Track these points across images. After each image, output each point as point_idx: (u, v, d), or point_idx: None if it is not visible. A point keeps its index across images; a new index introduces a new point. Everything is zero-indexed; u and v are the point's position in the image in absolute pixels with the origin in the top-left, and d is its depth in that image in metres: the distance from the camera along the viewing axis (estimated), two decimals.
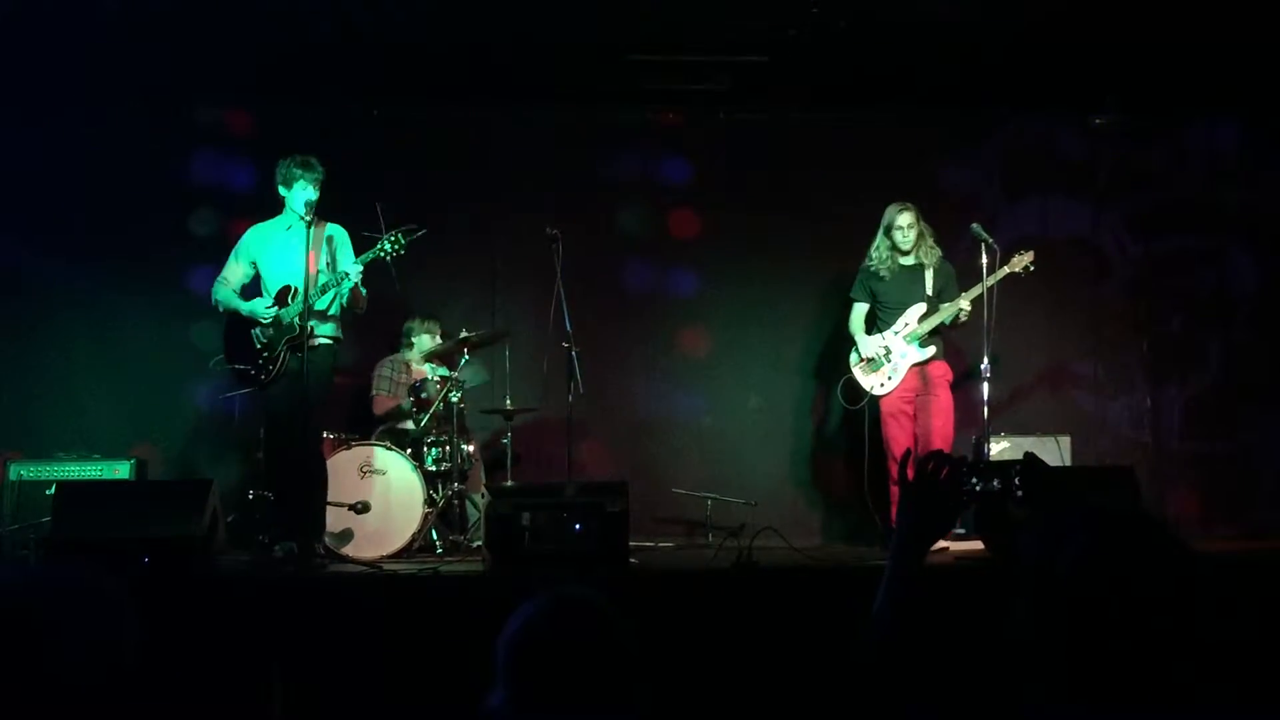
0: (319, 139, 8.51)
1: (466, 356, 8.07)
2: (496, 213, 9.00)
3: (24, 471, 7.89)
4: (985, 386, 7.31)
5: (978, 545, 7.19)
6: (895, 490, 7.67)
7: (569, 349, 7.66)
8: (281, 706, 5.06)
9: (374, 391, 8.43)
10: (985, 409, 7.32)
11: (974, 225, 7.48)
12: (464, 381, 8.08)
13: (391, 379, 8.45)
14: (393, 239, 6.88)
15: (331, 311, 7.13)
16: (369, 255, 6.93)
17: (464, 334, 8.08)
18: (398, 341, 8.65)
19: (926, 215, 7.84)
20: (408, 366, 8.51)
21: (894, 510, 7.67)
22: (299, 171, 6.99)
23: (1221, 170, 9.40)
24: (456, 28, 7.85)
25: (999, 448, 8.09)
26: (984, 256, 7.32)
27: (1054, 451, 8.22)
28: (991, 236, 7.36)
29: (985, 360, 7.31)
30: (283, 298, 6.96)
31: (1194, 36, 7.94)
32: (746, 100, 8.99)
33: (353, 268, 6.91)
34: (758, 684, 5.35)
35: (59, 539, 6.18)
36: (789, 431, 9.28)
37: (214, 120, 8.96)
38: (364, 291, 7.07)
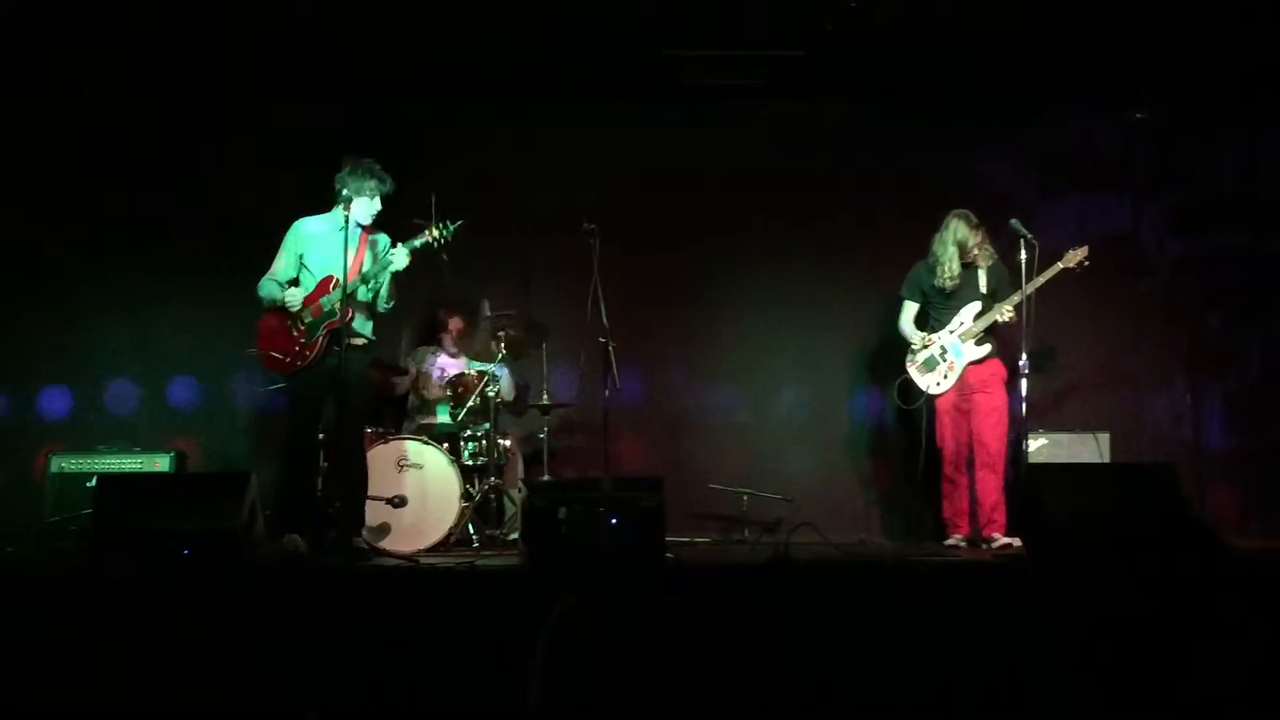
0: (354, 132, 8.57)
1: (504, 351, 8.09)
2: (533, 207, 9.00)
3: (65, 464, 7.95)
4: (1024, 384, 7.25)
5: (1016, 543, 7.17)
6: (946, 487, 7.75)
7: (606, 344, 7.65)
8: (318, 700, 5.08)
9: (396, 379, 8.47)
10: (1024, 406, 7.26)
11: (1013, 221, 7.42)
12: (499, 379, 8.10)
13: (413, 370, 8.50)
14: (441, 226, 6.95)
15: (367, 300, 7.09)
16: (418, 241, 6.99)
17: (500, 313, 8.07)
18: (433, 335, 8.68)
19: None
20: (435, 357, 8.55)
21: (945, 504, 7.72)
22: (373, 184, 7.00)
23: (1261, 166, 9.31)
24: (495, 21, 7.86)
25: (1037, 445, 8.04)
26: (1023, 252, 7.25)
27: (1093, 449, 8.15)
28: (1030, 232, 7.30)
29: (1024, 357, 7.25)
30: (324, 287, 6.94)
31: (1231, 31, 7.87)
32: (784, 96, 8.94)
33: (399, 252, 6.94)
34: (794, 679, 5.33)
35: (99, 532, 6.21)
36: (825, 427, 9.24)
37: (254, 116, 8.97)
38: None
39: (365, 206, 7.01)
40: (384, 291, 7.09)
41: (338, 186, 7.01)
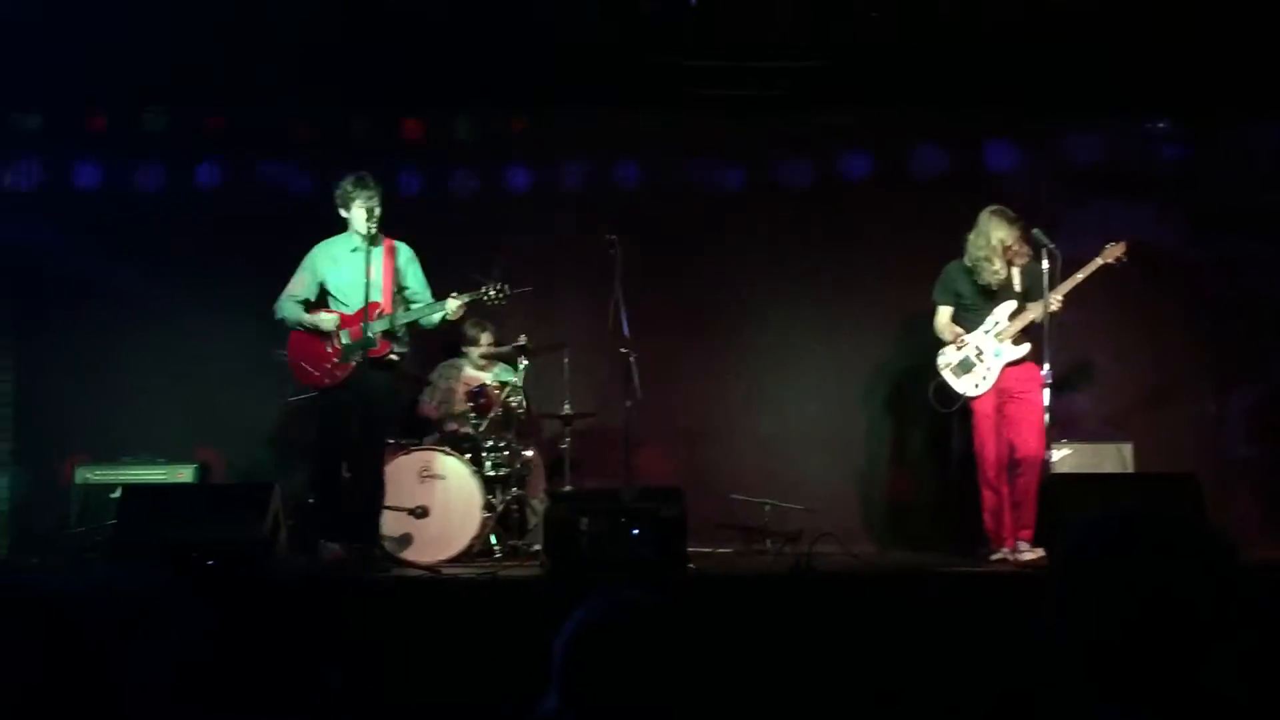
0: (376, 147, 8.63)
1: (525, 362, 8.12)
2: (556, 217, 9.03)
3: (90, 475, 8.03)
4: (1046, 393, 7.21)
5: (1040, 554, 7.14)
6: (987, 495, 7.51)
7: (627, 354, 7.67)
8: (340, 709, 5.11)
9: (423, 399, 8.53)
10: (1047, 415, 7.23)
11: (1035, 230, 7.35)
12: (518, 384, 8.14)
13: (441, 387, 8.53)
14: (498, 288, 7.10)
15: (404, 335, 7.32)
16: (471, 296, 7.16)
17: (521, 340, 8.12)
18: (455, 345, 8.72)
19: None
20: (459, 371, 8.58)
21: (985, 516, 7.57)
22: (355, 191, 7.10)
23: None
24: (517, 35, 7.90)
25: (1060, 455, 7.99)
26: (1045, 262, 7.21)
27: (1116, 459, 8.12)
28: (1053, 242, 7.26)
29: (1046, 365, 7.21)
30: (369, 313, 7.00)
31: (1256, 35, 7.86)
32: (804, 105, 8.96)
33: (452, 305, 7.09)
34: (815, 691, 5.34)
35: (124, 542, 6.27)
36: (847, 437, 9.24)
37: (276, 128, 9.03)
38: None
39: (360, 214, 7.08)
40: (434, 325, 7.34)
41: (340, 211, 7.18)
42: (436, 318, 7.20)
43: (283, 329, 7.30)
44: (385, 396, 7.25)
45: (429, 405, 8.55)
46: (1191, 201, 9.27)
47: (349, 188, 7.11)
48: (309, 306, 7.29)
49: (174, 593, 2.25)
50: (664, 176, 9.23)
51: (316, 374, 7.14)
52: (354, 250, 7.12)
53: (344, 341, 7.08)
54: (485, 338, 8.55)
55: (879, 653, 5.48)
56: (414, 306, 7.22)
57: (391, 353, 7.14)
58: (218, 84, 8.59)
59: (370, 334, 6.96)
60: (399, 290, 7.28)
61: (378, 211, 7.07)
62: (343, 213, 7.16)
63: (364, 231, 7.05)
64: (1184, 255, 9.21)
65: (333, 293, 7.24)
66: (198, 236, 8.97)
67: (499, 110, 9.22)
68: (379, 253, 7.12)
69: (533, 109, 9.11)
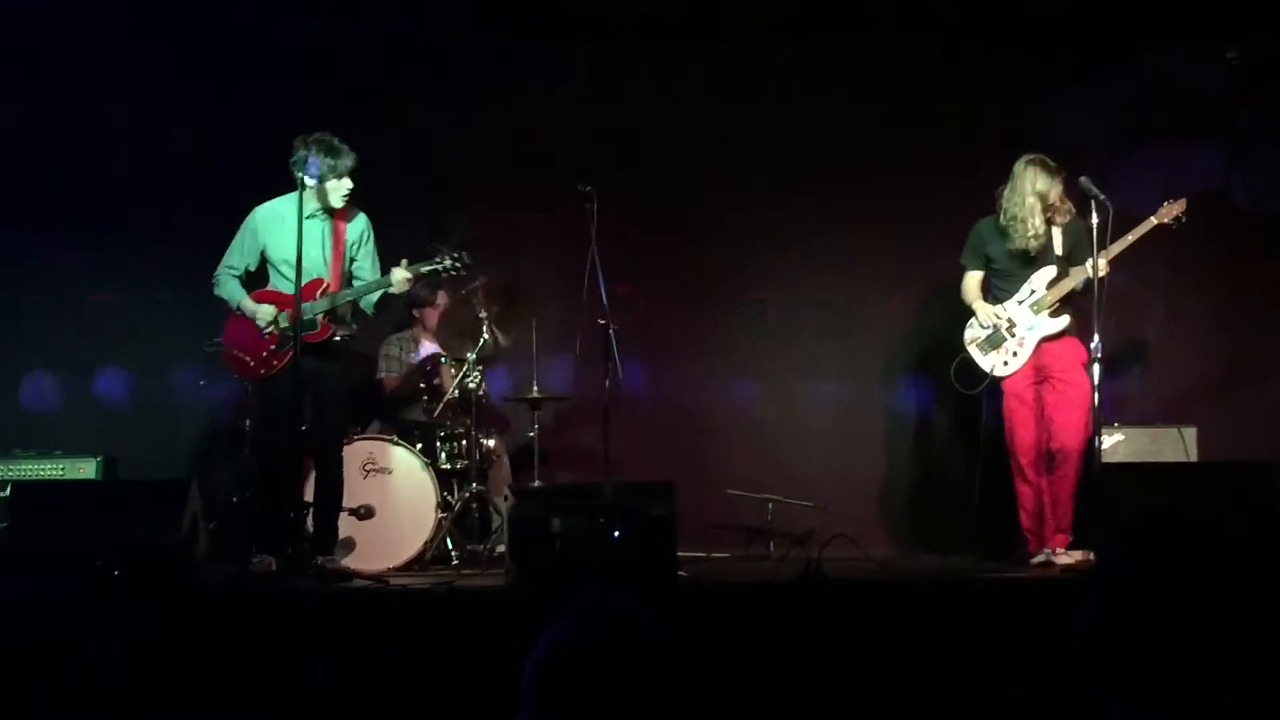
0: (318, 92, 8.59)
1: (485, 336, 8.08)
2: (520, 167, 8.99)
3: None
4: (1096, 369, 7.19)
5: (1086, 555, 7.16)
6: (1022, 490, 7.51)
7: (606, 326, 7.64)
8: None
9: (381, 373, 8.52)
10: (1096, 395, 7.22)
11: (1082, 179, 7.30)
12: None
13: (400, 359, 8.53)
14: (456, 257, 7.10)
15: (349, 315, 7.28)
16: (424, 267, 7.12)
17: (479, 280, 8.02)
18: (407, 318, 8.69)
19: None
20: (416, 343, 8.56)
21: (1021, 514, 7.54)
22: (330, 162, 6.96)
23: None
24: None
25: (1111, 441, 7.99)
26: (1094, 215, 7.17)
27: (1177, 445, 8.12)
28: (1104, 192, 7.23)
29: (1096, 338, 7.18)
30: (309, 292, 6.96)
31: None
32: (814, 31, 8.90)
33: (399, 275, 7.02)
34: (826, 715, 5.35)
35: (16, 549, 6.24)
36: (863, 424, 9.23)
37: (200, 97, 8.97)
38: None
39: (335, 188, 7.04)
40: (372, 306, 7.24)
41: (297, 172, 6.98)
42: (376, 296, 7.12)
43: (206, 311, 7.30)
44: (337, 385, 7.20)
45: (394, 377, 8.54)
46: (1267, 147, 9.24)
47: (324, 151, 6.93)
48: (249, 277, 7.24)
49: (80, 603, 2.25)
50: (648, 119, 9.14)
51: (253, 364, 7.09)
52: (309, 217, 6.98)
53: (282, 325, 7.02)
54: (441, 298, 8.51)
55: (900, 674, 5.49)
56: (356, 283, 7.15)
57: (334, 335, 7.09)
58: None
59: (309, 314, 6.91)
60: (348, 265, 7.21)
61: (350, 186, 7.06)
62: (308, 181, 6.94)
63: (338, 204, 7.06)
64: (1257, 208, 9.20)
65: (274, 263, 7.15)
66: (104, 211, 8.92)
67: (455, 43, 9.17)
68: (329, 221, 7.08)
69: (492, 41, 9.04)
